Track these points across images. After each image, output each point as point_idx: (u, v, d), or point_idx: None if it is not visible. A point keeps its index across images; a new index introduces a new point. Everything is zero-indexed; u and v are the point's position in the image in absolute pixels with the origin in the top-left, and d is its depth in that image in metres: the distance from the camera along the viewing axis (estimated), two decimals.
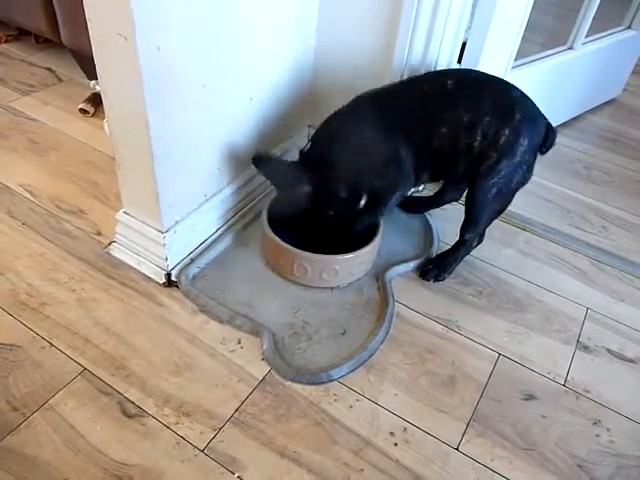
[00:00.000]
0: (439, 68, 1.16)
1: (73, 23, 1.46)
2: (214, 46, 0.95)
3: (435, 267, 1.15)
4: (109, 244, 1.15)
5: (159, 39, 0.83)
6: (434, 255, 1.20)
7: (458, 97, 1.00)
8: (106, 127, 1.42)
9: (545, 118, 1.03)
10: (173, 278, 1.09)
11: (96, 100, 1.55)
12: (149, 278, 1.10)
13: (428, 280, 1.14)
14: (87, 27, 0.85)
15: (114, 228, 1.13)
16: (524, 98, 1.02)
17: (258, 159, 1.06)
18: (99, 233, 1.19)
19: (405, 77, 1.15)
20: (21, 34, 1.90)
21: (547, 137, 1.03)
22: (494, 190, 1.04)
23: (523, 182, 1.05)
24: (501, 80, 1.05)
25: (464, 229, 1.12)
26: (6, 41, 1.89)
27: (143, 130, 0.90)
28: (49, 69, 1.77)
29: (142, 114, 0.88)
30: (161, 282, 1.09)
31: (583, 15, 1.51)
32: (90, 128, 1.51)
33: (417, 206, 1.31)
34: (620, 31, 1.72)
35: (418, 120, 1.02)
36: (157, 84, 0.86)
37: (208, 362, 0.97)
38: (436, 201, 1.30)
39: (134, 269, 1.11)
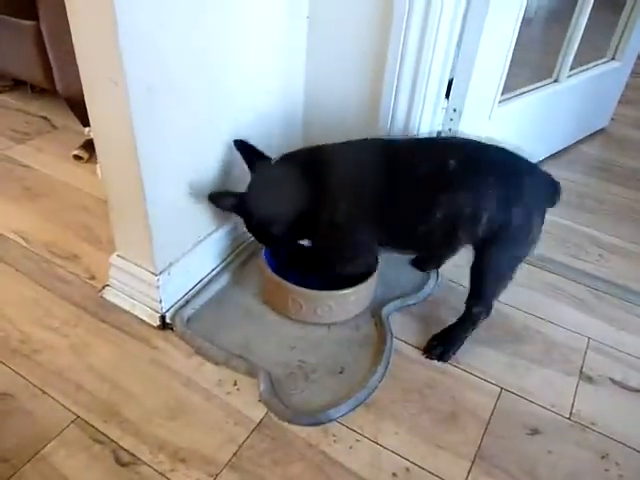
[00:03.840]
0: (427, 104, 1.18)
1: (67, 72, 1.49)
2: (205, 89, 0.97)
3: (440, 344, 1.06)
4: (103, 288, 1.14)
5: (149, 82, 0.84)
6: (430, 292, 1.20)
7: (461, 182, 0.92)
8: (99, 171, 1.44)
9: (550, 176, 0.97)
10: (167, 320, 1.07)
11: (90, 146, 1.57)
12: (143, 321, 1.08)
13: (432, 358, 1.05)
14: (80, 75, 0.87)
15: (108, 272, 1.12)
16: (529, 166, 0.96)
17: (213, 197, 1.04)
18: (93, 277, 1.18)
19: (396, 128, 1.16)
20: (17, 84, 1.94)
21: (554, 192, 0.97)
22: (506, 263, 0.98)
23: (534, 246, 0.99)
24: (503, 151, 0.96)
25: (471, 302, 1.04)
26: (1, 92, 1.92)
27: (135, 173, 0.90)
28: (44, 117, 1.80)
29: (133, 157, 0.88)
30: (155, 325, 1.07)
31: (566, 48, 1.55)
32: (84, 173, 1.52)
33: (425, 264, 1.25)
34: (604, 63, 1.76)
35: (407, 198, 0.94)
36: (148, 126, 0.87)
37: (204, 405, 0.94)
38: (445, 256, 1.23)
39: (128, 312, 1.10)
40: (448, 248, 1.01)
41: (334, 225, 0.98)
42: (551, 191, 0.97)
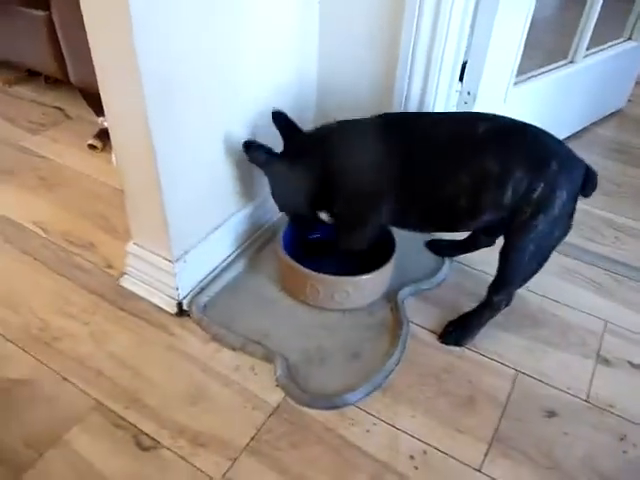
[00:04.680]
0: (441, 87, 1.17)
1: (80, 62, 1.49)
2: (220, 76, 0.97)
3: (456, 330, 1.06)
4: (120, 276, 1.15)
5: (164, 73, 0.84)
6: (444, 277, 1.19)
7: (488, 145, 0.91)
8: (114, 160, 1.45)
9: (583, 162, 0.94)
10: (184, 307, 1.08)
11: (105, 136, 1.57)
12: (160, 308, 1.09)
13: (448, 344, 1.05)
14: (93, 65, 0.87)
15: (124, 260, 1.13)
16: (559, 145, 0.94)
17: (249, 144, 1.03)
18: (110, 266, 1.19)
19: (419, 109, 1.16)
20: (30, 75, 1.95)
21: (588, 180, 0.93)
22: (531, 248, 0.94)
23: (564, 235, 0.96)
24: (534, 128, 0.95)
25: (494, 289, 1.02)
26: (16, 83, 1.94)
27: (150, 161, 0.91)
28: (58, 108, 1.81)
29: (148, 146, 0.89)
30: (173, 312, 1.08)
31: (582, 28, 1.52)
32: (99, 163, 1.53)
33: (443, 249, 1.25)
34: (620, 43, 1.72)
35: (433, 163, 0.94)
36: (162, 116, 0.88)
37: (222, 391, 0.96)
38: (466, 247, 1.22)
39: (145, 300, 1.11)
40: (471, 220, 0.98)
41: (358, 194, 1.00)
42: (584, 178, 0.93)
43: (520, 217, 0.92)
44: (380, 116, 1.01)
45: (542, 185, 0.89)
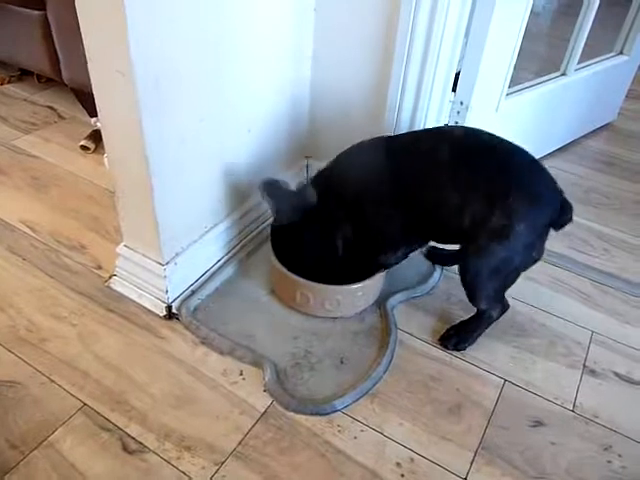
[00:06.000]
0: (434, 97, 1.17)
1: (74, 62, 1.49)
2: (212, 80, 0.97)
3: (456, 335, 1.07)
4: (109, 278, 1.15)
5: (157, 74, 0.84)
6: (434, 285, 1.20)
7: (450, 176, 0.94)
8: (106, 162, 1.44)
9: (558, 194, 0.94)
10: (174, 310, 1.08)
11: (97, 137, 1.57)
12: (150, 311, 1.09)
13: (447, 347, 1.06)
14: (87, 66, 0.87)
15: (114, 262, 1.13)
16: (530, 173, 0.94)
17: (266, 186, 1.04)
18: (99, 267, 1.19)
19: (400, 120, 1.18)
20: (23, 74, 1.95)
21: (562, 214, 0.94)
22: (485, 272, 0.96)
23: (529, 262, 0.98)
24: (507, 149, 0.95)
25: (472, 303, 1.04)
26: (9, 82, 1.93)
27: (142, 164, 0.91)
28: (51, 107, 1.80)
29: (141, 148, 0.89)
30: (162, 315, 1.08)
31: (574, 41, 1.54)
32: (91, 164, 1.53)
33: (438, 259, 1.26)
34: (612, 57, 1.74)
35: (417, 187, 0.98)
36: (155, 118, 0.88)
37: (209, 394, 0.95)
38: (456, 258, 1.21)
39: (135, 302, 1.11)
40: (443, 240, 1.07)
41: (373, 224, 1.03)
42: (557, 209, 0.94)
43: (475, 242, 0.94)
44: (359, 148, 1.04)
45: (497, 215, 0.90)
